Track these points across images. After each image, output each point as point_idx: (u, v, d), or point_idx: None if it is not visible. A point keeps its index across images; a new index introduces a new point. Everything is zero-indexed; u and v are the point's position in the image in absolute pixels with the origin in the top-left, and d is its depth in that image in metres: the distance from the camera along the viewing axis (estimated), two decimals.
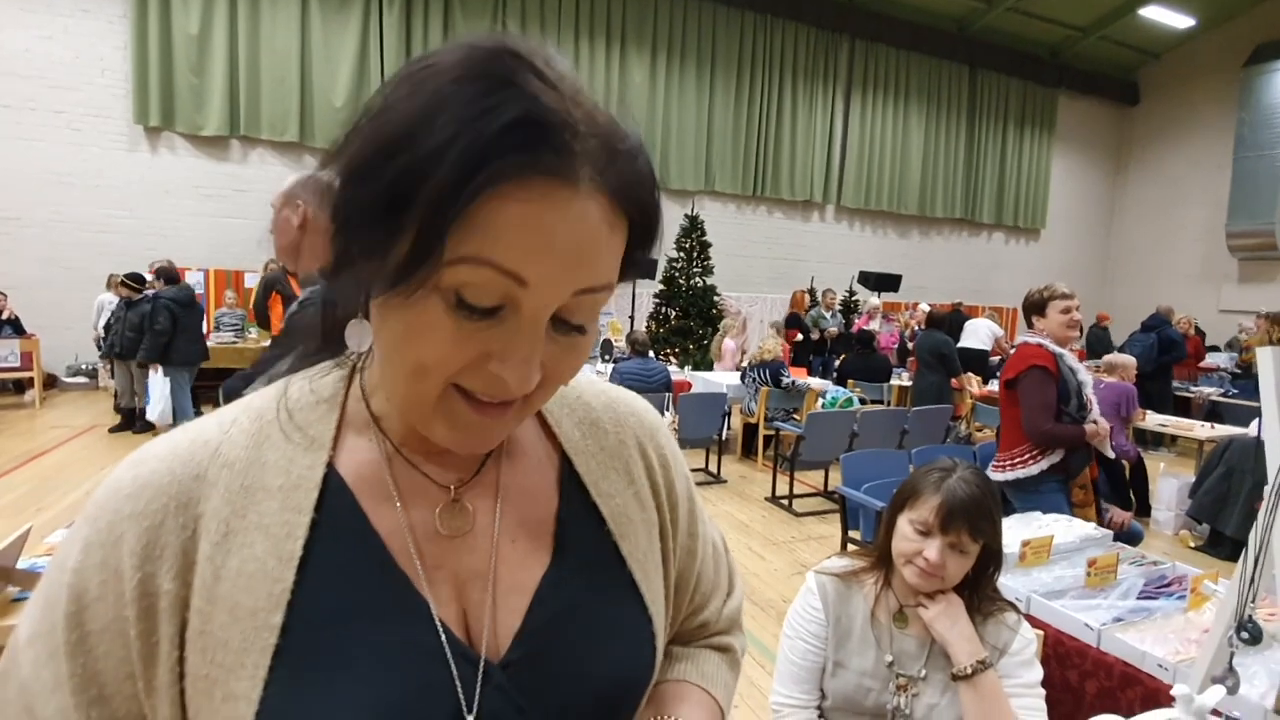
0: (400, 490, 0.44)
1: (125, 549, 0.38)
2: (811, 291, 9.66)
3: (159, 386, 5.69)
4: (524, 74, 0.34)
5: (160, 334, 5.56)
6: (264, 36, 8.17)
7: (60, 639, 0.37)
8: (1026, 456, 2.50)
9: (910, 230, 12.50)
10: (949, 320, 6.67)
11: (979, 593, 1.20)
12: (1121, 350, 6.08)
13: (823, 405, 5.19)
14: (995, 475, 2.56)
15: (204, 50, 7.96)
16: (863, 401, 5.47)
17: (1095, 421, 2.47)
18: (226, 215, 8.25)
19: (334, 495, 0.42)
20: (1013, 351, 2.69)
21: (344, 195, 0.36)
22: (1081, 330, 2.72)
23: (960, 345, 6.56)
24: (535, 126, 0.33)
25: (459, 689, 0.40)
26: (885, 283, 9.66)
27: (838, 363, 7.46)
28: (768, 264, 11.22)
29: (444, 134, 0.33)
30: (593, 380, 0.57)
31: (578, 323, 0.39)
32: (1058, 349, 2.50)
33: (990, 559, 1.19)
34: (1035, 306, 2.57)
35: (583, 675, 0.45)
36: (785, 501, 4.75)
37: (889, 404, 6.18)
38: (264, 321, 6.67)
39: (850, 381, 6.13)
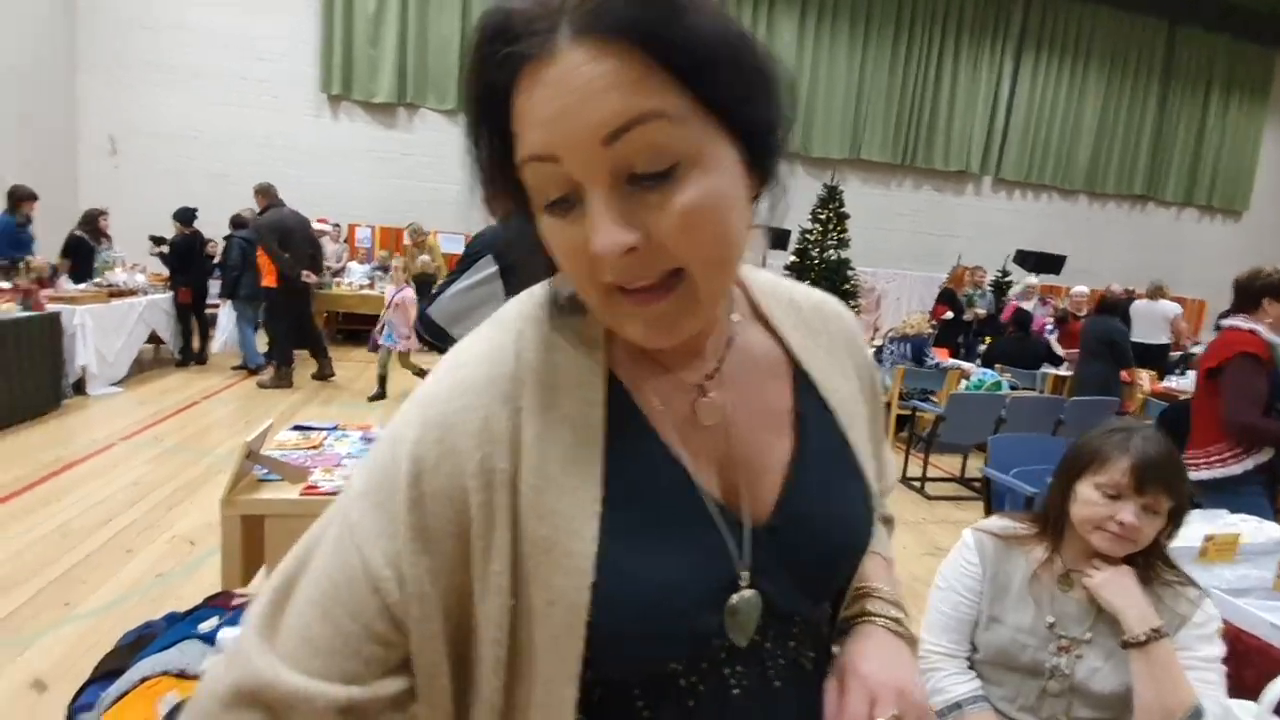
0: (657, 387, 0.51)
1: (462, 434, 0.45)
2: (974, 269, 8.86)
3: (225, 319, 6.48)
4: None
5: (229, 269, 6.15)
6: (431, 12, 8.74)
7: (401, 495, 0.44)
8: (1228, 455, 2.29)
9: (1078, 206, 11.33)
10: (1124, 306, 6.05)
11: (1153, 558, 1.16)
12: None
13: (967, 387, 4.92)
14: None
15: (379, 24, 8.66)
16: (1013, 388, 5.12)
17: None
18: (393, 176, 9.02)
19: (614, 392, 0.49)
20: (1190, 340, 2.45)
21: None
22: None
23: (1134, 340, 5.93)
24: (502, 36, 0.39)
25: (731, 548, 0.49)
26: (1046, 263, 8.84)
27: (983, 346, 7.01)
28: (911, 239, 10.63)
29: (468, 89, 0.42)
30: (798, 284, 0.63)
31: (651, 170, 0.38)
32: (1274, 337, 2.25)
33: (1170, 521, 1.15)
34: (1277, 289, 2.29)
35: (826, 540, 0.53)
36: (917, 484, 4.59)
37: (1042, 392, 5.74)
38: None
39: (999, 365, 5.75)
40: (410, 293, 5.67)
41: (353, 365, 6.91)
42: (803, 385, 0.56)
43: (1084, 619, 1.16)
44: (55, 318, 4.82)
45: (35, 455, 3.90)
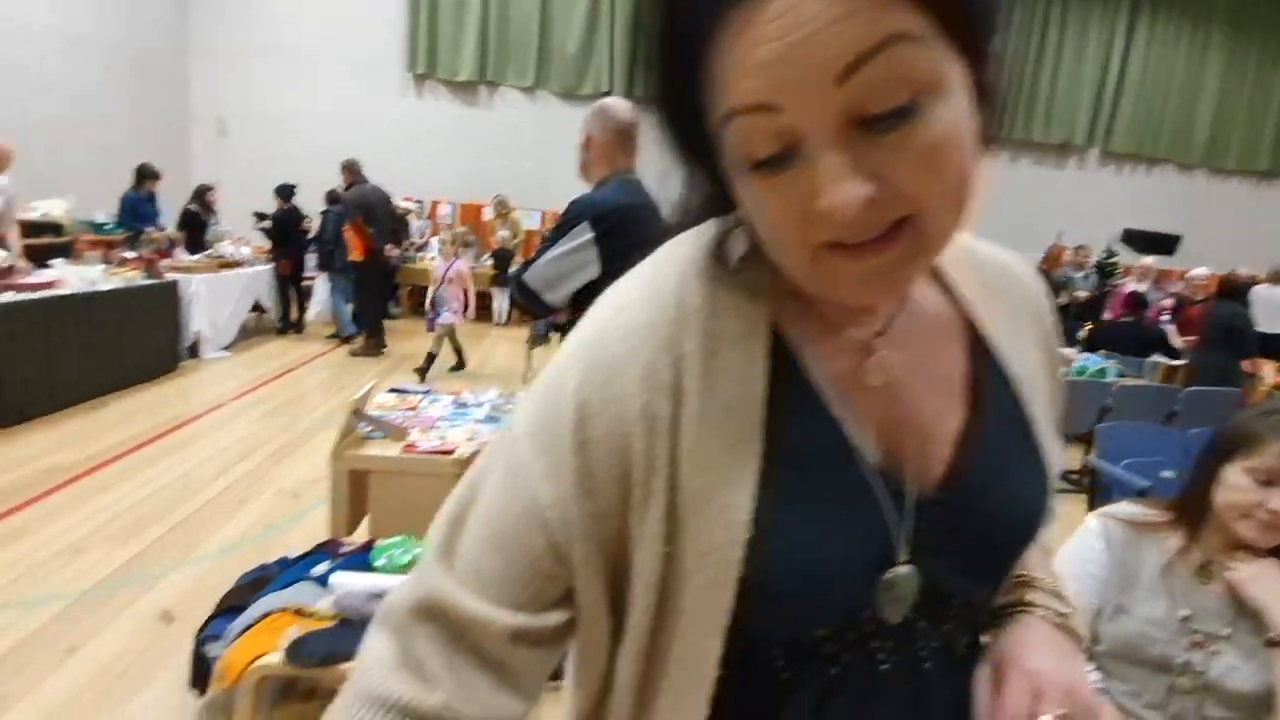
0: (822, 344, 0.48)
1: (626, 378, 0.44)
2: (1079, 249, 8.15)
3: (321, 290, 6.91)
4: None
5: (325, 243, 6.53)
6: None
7: (566, 439, 0.44)
8: None
9: (1195, 182, 10.39)
10: (1245, 291, 5.53)
11: None
12: None
13: (1068, 373, 4.64)
14: None
15: (462, 4, 8.81)
16: (1120, 375, 4.78)
17: None
18: (473, 154, 9.22)
19: (777, 346, 0.46)
20: None
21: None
22: None
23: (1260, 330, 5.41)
24: None
25: (891, 520, 0.46)
26: (1157, 244, 8.21)
27: (1083, 331, 6.57)
28: (1006, 215, 9.98)
29: (660, 34, 0.38)
30: (983, 241, 0.57)
31: (887, 108, 0.34)
32: None
33: None
34: None
35: (999, 518, 0.49)
36: None
37: (1152, 381, 5.34)
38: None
39: (1104, 351, 5.38)
40: (463, 265, 5.74)
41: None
42: (980, 350, 0.52)
43: (1224, 614, 1.07)
44: (173, 286, 5.20)
45: (159, 411, 4.25)
